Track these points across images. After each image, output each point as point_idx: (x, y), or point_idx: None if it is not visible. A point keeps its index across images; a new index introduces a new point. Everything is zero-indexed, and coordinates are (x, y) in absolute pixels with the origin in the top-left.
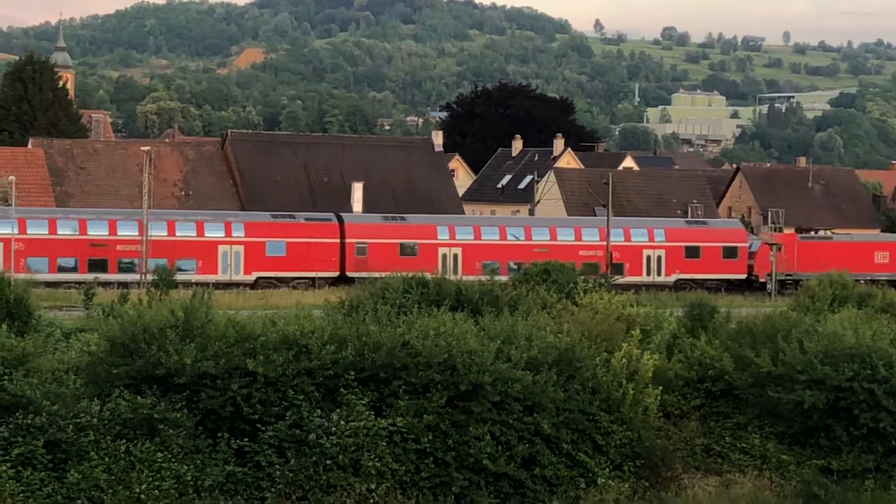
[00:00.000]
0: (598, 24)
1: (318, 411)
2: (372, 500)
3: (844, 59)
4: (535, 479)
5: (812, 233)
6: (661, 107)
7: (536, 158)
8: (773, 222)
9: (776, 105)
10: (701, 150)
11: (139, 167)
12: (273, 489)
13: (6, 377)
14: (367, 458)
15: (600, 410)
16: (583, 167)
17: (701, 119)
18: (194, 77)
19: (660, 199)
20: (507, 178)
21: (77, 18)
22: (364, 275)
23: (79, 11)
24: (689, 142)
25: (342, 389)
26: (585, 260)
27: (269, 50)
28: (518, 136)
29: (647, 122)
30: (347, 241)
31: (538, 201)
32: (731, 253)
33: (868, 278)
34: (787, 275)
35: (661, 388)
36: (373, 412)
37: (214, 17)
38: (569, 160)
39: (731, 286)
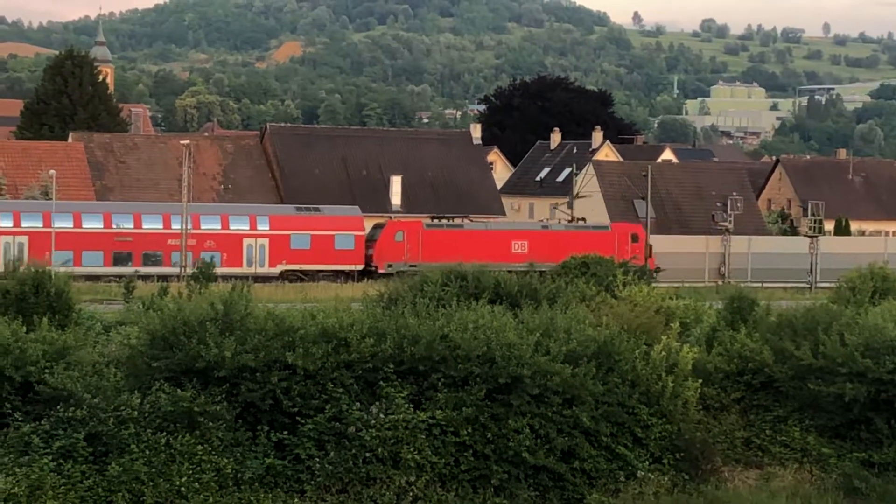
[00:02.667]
0: (636, 17)
1: (358, 404)
2: (411, 493)
3: (885, 50)
4: (575, 471)
5: (444, 221)
6: (700, 99)
7: (575, 151)
8: (813, 215)
9: (816, 97)
10: (740, 142)
11: (178, 161)
12: (313, 482)
13: (47, 370)
14: (407, 451)
15: (640, 403)
16: (621, 160)
17: (740, 111)
18: (233, 71)
19: (699, 192)
20: (546, 170)
21: (116, 13)
22: None
23: (118, 6)
24: (728, 134)
25: (381, 382)
26: (176, 250)
27: (308, 43)
28: (556, 128)
29: (686, 114)
30: None
31: (577, 194)
32: (345, 242)
33: (505, 269)
34: (410, 265)
35: (700, 380)
36: (412, 405)
37: (253, 10)
38: (607, 153)
39: (349, 277)
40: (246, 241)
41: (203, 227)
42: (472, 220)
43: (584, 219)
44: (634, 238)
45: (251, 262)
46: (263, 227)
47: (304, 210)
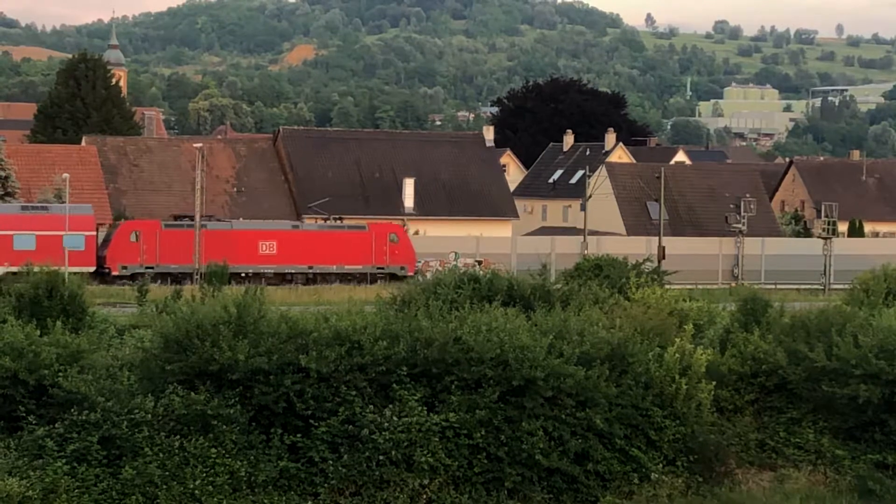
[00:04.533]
0: (649, 18)
1: (371, 407)
2: (425, 496)
3: None
4: (588, 474)
5: (185, 220)
6: (713, 101)
7: (588, 153)
8: (826, 216)
9: (829, 98)
10: (754, 143)
11: (192, 164)
12: (326, 484)
13: (61, 374)
14: (420, 454)
15: (653, 405)
16: (634, 162)
17: (753, 113)
18: (246, 74)
19: (712, 194)
20: (559, 173)
21: (129, 16)
22: None
23: (131, 9)
24: (741, 136)
25: (394, 385)
26: None
27: (321, 46)
28: (569, 130)
29: (699, 116)
30: None
31: (590, 196)
32: (75, 242)
33: (251, 271)
34: (147, 267)
35: (714, 382)
36: (425, 407)
37: (266, 13)
38: (620, 155)
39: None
40: None
41: None
42: (219, 220)
43: (340, 218)
44: (393, 239)
45: None
46: None
47: (30, 209)
